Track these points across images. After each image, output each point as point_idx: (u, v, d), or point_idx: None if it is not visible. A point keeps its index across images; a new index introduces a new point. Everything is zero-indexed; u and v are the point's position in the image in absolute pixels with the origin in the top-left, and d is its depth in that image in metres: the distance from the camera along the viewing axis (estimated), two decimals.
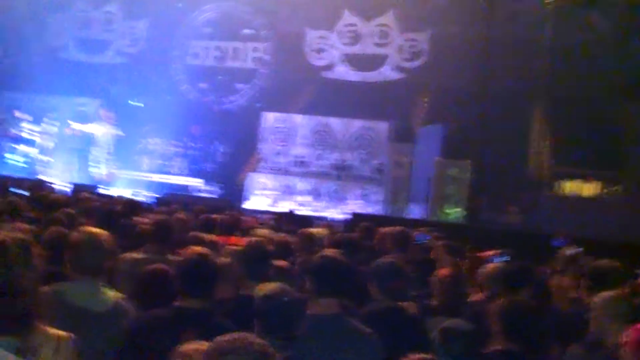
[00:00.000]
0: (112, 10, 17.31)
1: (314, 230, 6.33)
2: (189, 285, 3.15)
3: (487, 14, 11.99)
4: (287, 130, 15.30)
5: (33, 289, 2.36)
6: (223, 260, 3.96)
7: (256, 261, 4.04)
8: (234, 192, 14.54)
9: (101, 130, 15.07)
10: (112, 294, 3.28)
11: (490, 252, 5.51)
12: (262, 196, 14.56)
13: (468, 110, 12.80)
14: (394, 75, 15.31)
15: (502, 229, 10.45)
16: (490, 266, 4.76)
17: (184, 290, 3.15)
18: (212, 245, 4.87)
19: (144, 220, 6.15)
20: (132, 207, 6.59)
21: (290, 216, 7.68)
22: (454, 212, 11.47)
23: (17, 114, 14.65)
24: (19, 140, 14.62)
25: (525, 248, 6.31)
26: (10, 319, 2.10)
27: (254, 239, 4.64)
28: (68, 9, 17.56)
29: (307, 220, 7.79)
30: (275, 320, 2.87)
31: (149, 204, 8.07)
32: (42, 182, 9.95)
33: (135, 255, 4.64)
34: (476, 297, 4.52)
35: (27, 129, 14.88)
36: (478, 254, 5.68)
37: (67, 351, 2.27)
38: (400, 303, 3.79)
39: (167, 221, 5.17)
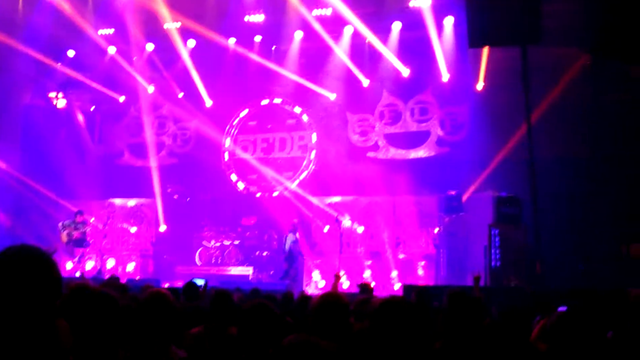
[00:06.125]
0: (164, 114, 18.11)
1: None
2: None
3: (524, 76, 11.97)
4: (338, 211, 15.41)
5: None
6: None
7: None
8: (294, 280, 14.51)
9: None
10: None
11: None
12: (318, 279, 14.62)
13: (517, 176, 12.69)
14: (438, 150, 15.44)
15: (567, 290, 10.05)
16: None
17: None
18: None
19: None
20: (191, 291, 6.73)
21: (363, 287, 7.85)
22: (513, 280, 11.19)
23: (79, 217, 15.14)
24: (82, 242, 15.03)
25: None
26: None
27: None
28: (124, 117, 18.47)
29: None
30: None
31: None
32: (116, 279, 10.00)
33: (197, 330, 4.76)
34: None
35: (88, 231, 15.36)
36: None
37: None
38: None
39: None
